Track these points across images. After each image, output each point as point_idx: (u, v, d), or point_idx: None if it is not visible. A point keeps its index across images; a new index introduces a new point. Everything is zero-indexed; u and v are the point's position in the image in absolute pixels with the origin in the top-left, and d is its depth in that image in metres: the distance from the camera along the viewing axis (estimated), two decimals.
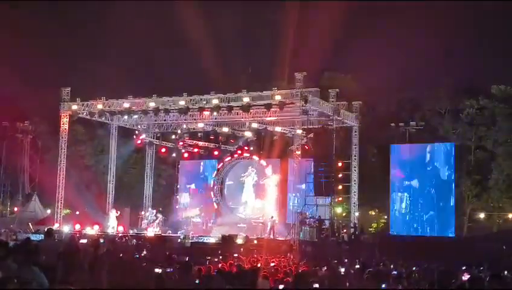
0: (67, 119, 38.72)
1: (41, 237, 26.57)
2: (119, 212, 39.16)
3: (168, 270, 13.54)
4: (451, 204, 34.77)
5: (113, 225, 38.29)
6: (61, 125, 38.84)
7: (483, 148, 43.84)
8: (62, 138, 38.92)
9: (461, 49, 51.28)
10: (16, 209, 47.30)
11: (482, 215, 44.05)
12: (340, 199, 37.98)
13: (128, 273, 12.10)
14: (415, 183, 35.50)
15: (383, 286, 12.24)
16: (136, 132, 42.32)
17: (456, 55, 51.26)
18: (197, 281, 11.90)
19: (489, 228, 43.05)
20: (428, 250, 28.07)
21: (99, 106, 37.79)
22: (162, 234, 36.94)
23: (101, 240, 25.39)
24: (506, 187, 42.20)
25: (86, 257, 14.98)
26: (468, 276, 12.82)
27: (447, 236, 34.07)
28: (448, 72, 46.81)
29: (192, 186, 44.73)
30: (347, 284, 14.31)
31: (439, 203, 34.71)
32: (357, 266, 18.84)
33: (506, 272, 17.21)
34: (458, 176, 38.74)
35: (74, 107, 38.27)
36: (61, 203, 38.65)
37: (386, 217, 42.97)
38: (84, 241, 25.19)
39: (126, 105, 37.06)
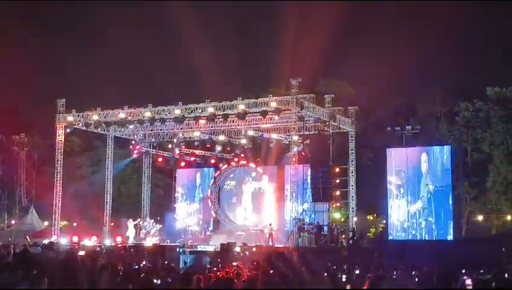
0: (63, 131, 38.62)
1: (39, 249, 26.47)
2: (134, 221, 39.47)
3: (169, 280, 13.44)
4: (450, 208, 34.55)
5: (132, 235, 38.45)
6: (57, 137, 38.72)
7: (479, 151, 43.79)
8: (58, 149, 38.79)
9: (455, 52, 51.35)
10: (13, 222, 47.11)
11: (480, 218, 44.01)
12: (338, 204, 37.85)
13: (127, 285, 12.00)
14: (412, 188, 35.28)
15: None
16: (133, 141, 42.28)
17: (450, 57, 51.32)
18: None
19: (488, 230, 43.02)
20: (427, 254, 27.97)
21: (95, 117, 37.70)
22: (161, 244, 36.83)
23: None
24: (504, 189, 42.17)
25: (85, 268, 14.87)
26: (469, 279, 12.78)
27: (446, 240, 33.90)
28: (442, 74, 46.90)
29: (190, 194, 44.61)
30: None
31: (437, 208, 34.42)
32: (357, 272, 18.77)
33: (506, 275, 17.16)
34: (455, 179, 38.62)
35: (70, 118, 38.18)
36: (58, 215, 38.51)
37: (384, 221, 42.89)
38: (82, 253, 25.05)
39: (122, 115, 37.01)
